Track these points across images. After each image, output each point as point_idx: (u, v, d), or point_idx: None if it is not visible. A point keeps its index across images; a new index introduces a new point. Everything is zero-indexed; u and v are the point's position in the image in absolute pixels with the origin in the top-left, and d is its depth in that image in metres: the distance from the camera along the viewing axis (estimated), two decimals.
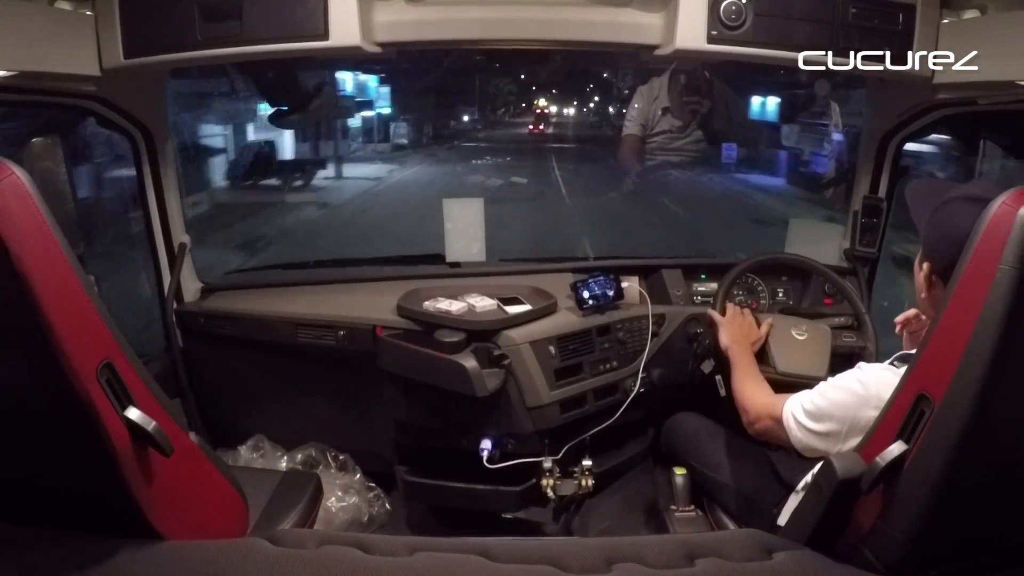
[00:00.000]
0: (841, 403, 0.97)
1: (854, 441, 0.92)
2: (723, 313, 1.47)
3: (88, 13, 1.23)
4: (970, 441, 0.65)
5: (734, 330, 1.41)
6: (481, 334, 1.50)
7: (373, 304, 1.65)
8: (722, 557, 0.72)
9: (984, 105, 1.35)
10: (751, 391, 1.20)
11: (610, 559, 0.71)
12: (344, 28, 1.23)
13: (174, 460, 0.78)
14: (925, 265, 0.95)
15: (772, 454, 1.29)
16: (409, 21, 1.30)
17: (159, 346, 1.77)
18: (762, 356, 1.40)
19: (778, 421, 1.06)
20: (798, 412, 1.03)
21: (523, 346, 1.50)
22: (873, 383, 0.95)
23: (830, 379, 1.03)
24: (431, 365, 1.47)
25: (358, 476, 1.77)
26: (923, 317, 1.20)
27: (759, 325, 1.45)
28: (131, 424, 0.71)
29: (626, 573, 0.69)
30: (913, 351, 1.02)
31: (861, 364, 1.02)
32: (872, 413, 0.91)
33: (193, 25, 1.23)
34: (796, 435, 1.02)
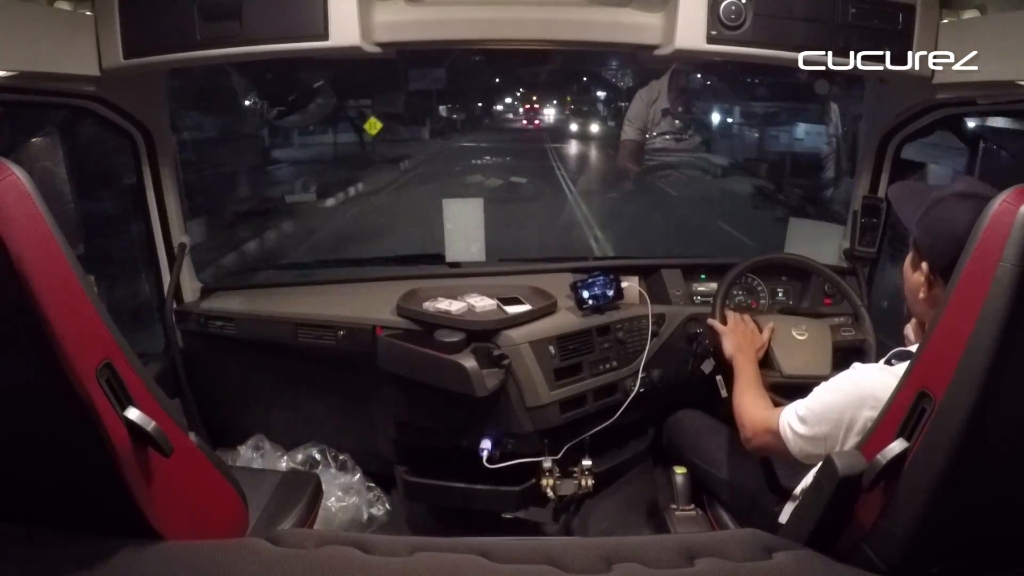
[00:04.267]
0: (836, 405, 0.96)
1: (852, 442, 0.92)
2: (724, 321, 1.47)
3: (88, 13, 1.23)
4: (971, 439, 0.65)
5: (738, 338, 1.39)
6: (481, 334, 1.50)
7: (373, 304, 1.65)
8: (722, 557, 0.72)
9: (984, 105, 1.35)
10: (749, 407, 1.19)
11: (610, 559, 0.71)
12: (344, 28, 1.23)
13: (174, 460, 0.77)
14: (924, 265, 0.95)
15: (772, 456, 1.29)
16: (409, 21, 1.30)
17: None
18: (766, 360, 1.40)
19: (775, 434, 1.05)
20: (793, 421, 1.02)
21: (523, 346, 1.50)
22: (868, 383, 0.94)
23: (823, 383, 1.02)
24: (431, 365, 1.47)
25: (358, 476, 1.76)
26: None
27: (760, 329, 1.44)
28: (131, 424, 0.71)
29: (626, 573, 0.69)
30: (910, 348, 1.02)
31: (856, 364, 1.01)
32: (869, 413, 0.91)
33: (193, 25, 1.23)
34: (794, 444, 1.01)
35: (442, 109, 7.45)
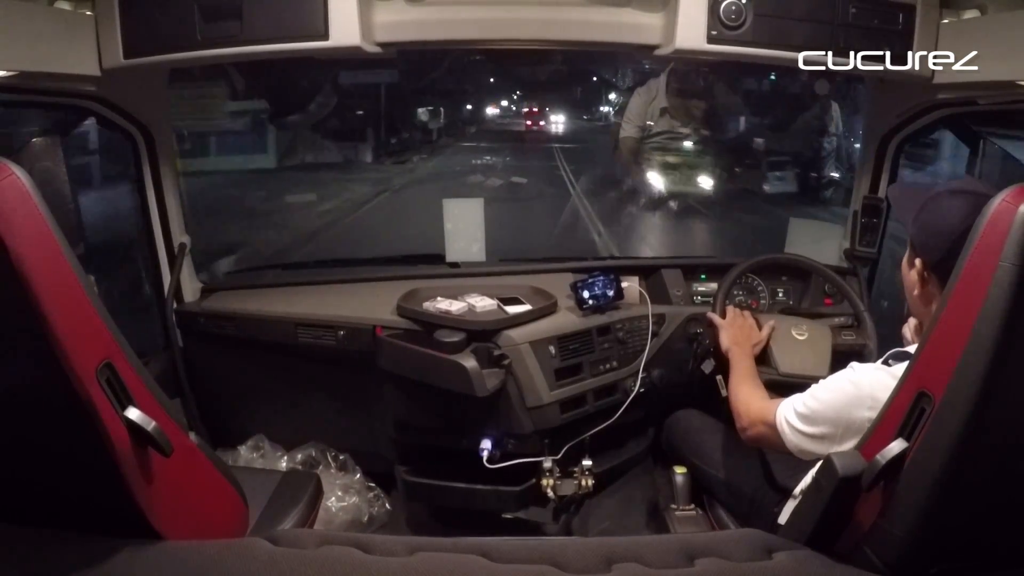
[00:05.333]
0: (834, 404, 0.96)
1: (850, 442, 0.92)
2: (723, 315, 1.47)
3: (88, 13, 1.23)
4: (970, 439, 0.64)
5: (735, 332, 1.40)
6: (481, 334, 1.50)
7: (373, 304, 1.65)
8: (722, 557, 0.72)
9: (984, 105, 1.35)
10: (745, 397, 1.19)
11: (610, 559, 0.71)
12: (344, 28, 1.24)
13: (174, 460, 0.77)
14: (918, 261, 0.96)
15: (771, 455, 1.29)
16: (409, 21, 1.30)
17: None
18: (763, 358, 1.40)
19: (772, 426, 1.06)
20: (791, 416, 1.02)
21: (523, 346, 1.50)
22: (866, 383, 0.95)
23: (822, 381, 1.02)
24: (431, 365, 1.47)
25: (358, 476, 1.76)
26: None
27: (760, 327, 1.45)
28: (131, 424, 0.71)
29: (626, 573, 0.69)
30: (907, 348, 1.02)
31: (853, 364, 1.01)
32: (866, 413, 0.91)
33: (193, 25, 1.23)
34: (791, 439, 1.02)
35: (421, 112, 5.22)
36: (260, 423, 1.82)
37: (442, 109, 5.09)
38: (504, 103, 6.33)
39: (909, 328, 1.15)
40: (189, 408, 1.81)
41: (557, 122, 6.30)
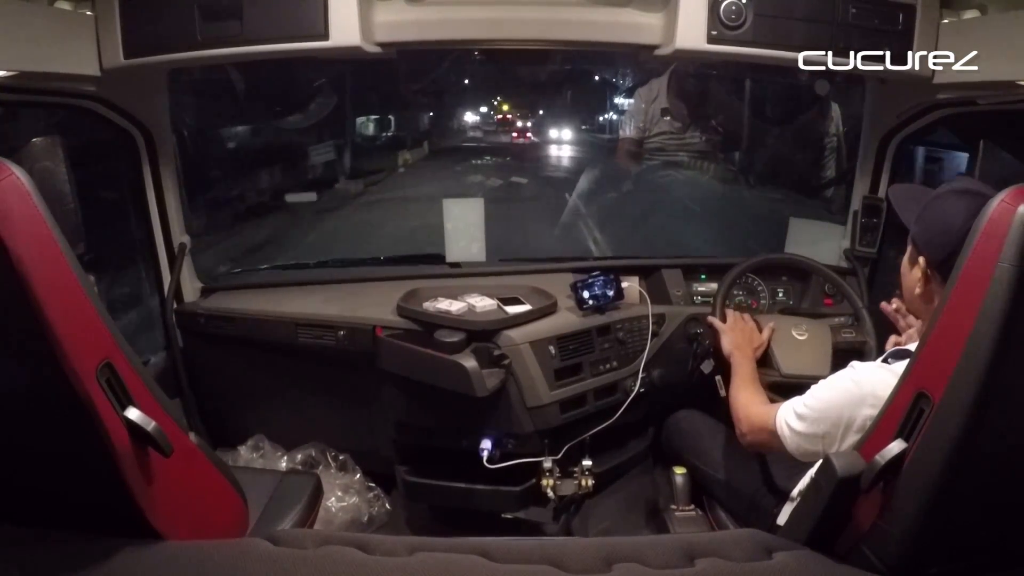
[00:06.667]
0: (835, 403, 0.96)
1: (851, 440, 0.92)
2: (723, 319, 1.47)
3: (88, 13, 1.23)
4: (970, 439, 0.65)
5: (736, 336, 1.40)
6: (481, 334, 1.50)
7: (373, 304, 1.65)
8: (722, 557, 0.72)
9: (984, 105, 1.35)
10: (745, 403, 1.19)
11: (610, 559, 0.71)
12: (344, 28, 1.24)
13: (174, 460, 0.78)
14: (921, 260, 0.96)
15: (771, 456, 1.28)
16: (409, 21, 1.30)
17: None
18: (765, 359, 1.40)
19: (772, 433, 1.05)
20: (791, 418, 1.02)
21: (523, 346, 1.50)
22: (867, 381, 0.94)
23: (822, 381, 1.02)
24: (431, 365, 1.47)
25: (358, 476, 1.76)
26: (903, 319, 1.19)
27: (760, 329, 1.44)
28: (131, 424, 0.72)
29: (626, 573, 0.69)
30: (906, 347, 1.02)
31: (854, 363, 1.01)
32: (868, 411, 0.91)
33: (193, 25, 1.24)
34: (791, 441, 1.01)
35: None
36: (260, 423, 1.82)
37: (371, 123, 2.99)
38: (479, 115, 4.77)
39: (899, 320, 1.16)
40: (189, 408, 1.81)
41: (561, 138, 5.08)
